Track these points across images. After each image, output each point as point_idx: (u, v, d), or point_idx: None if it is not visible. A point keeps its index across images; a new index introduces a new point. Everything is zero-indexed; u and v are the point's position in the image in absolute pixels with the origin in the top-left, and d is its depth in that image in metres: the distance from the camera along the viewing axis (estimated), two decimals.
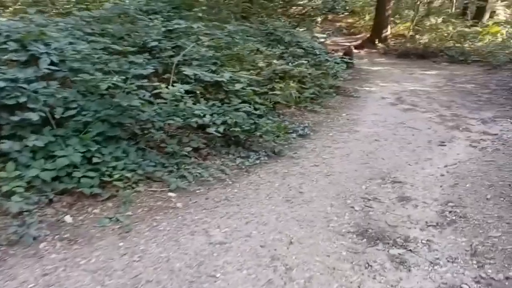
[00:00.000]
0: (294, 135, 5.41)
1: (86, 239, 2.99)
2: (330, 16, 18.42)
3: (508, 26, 14.46)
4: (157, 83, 4.42)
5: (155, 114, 4.26)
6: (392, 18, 16.58)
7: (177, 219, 3.33)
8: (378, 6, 15.58)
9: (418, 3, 16.33)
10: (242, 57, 6.37)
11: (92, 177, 3.45)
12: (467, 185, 4.11)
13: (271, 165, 4.53)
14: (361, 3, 20.62)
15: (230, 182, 4.02)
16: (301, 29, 10.84)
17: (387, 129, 6.01)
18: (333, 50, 13.91)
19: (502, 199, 3.78)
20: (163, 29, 5.67)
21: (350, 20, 20.50)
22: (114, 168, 3.60)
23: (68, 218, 3.20)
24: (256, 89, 5.36)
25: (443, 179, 4.30)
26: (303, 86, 6.89)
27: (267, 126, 4.81)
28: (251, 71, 6.20)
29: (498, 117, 6.65)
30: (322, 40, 11.70)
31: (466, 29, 14.79)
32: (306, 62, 6.70)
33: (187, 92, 4.60)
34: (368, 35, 16.50)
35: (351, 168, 4.54)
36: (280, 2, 10.32)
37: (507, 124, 6.26)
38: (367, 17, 19.37)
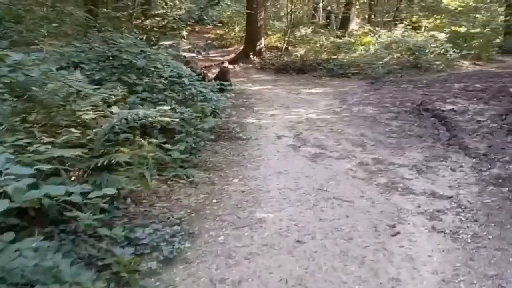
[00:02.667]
0: (154, 263, 2.68)
1: None
2: (197, 28, 15.95)
3: (376, 35, 13.75)
4: None
5: None
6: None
7: None
8: (249, 17, 13.59)
9: (290, 13, 14.83)
10: (51, 109, 3.41)
11: None
12: None
13: None
14: (228, 13, 18.58)
15: None
16: (164, 44, 8.08)
17: (306, 207, 3.67)
18: (205, 67, 11.48)
19: None
20: None
21: (219, 32, 18.32)
22: None
23: None
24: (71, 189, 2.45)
25: None
26: (169, 143, 4.18)
27: None
28: (69, 135, 3.28)
29: (430, 159, 4.87)
30: (192, 57, 9.11)
31: (339, 40, 13.70)
32: (169, 107, 3.96)
33: None
34: (241, 48, 14.46)
35: None
36: (131, 11, 7.44)
37: (448, 173, 4.46)
38: (237, 28, 17.41)
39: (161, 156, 4.06)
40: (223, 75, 8.93)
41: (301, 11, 20.02)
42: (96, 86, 4.07)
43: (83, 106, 3.60)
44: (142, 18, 8.45)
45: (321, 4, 16.93)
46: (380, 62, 12.00)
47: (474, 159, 4.79)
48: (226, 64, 10.79)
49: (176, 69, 5.77)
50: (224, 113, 6.09)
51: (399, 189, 4.08)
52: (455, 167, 4.58)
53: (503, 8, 17.30)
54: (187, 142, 4.57)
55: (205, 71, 9.32)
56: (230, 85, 8.36)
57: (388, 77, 10.90)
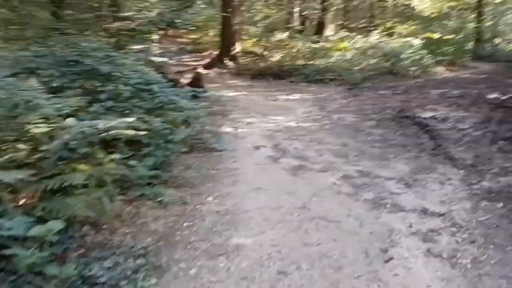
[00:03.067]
0: None
1: None
2: (170, 32, 15.42)
3: (352, 41, 13.62)
4: None
5: None
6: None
7: None
8: (224, 21, 13.22)
9: (265, 18, 14.53)
10: None
11: None
12: None
13: None
14: (202, 17, 18.11)
15: None
16: (133, 48, 7.59)
17: (289, 230, 3.29)
18: (177, 72, 10.97)
19: None
20: None
21: (193, 36, 17.82)
22: None
23: None
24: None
25: None
26: (135, 157, 3.73)
27: None
28: (14, 153, 2.80)
29: (416, 171, 4.60)
30: (164, 62, 8.64)
31: (315, 45, 13.48)
32: (134, 118, 3.52)
33: None
34: (216, 53, 14.04)
35: None
36: (97, 13, 6.91)
37: (438, 186, 4.19)
38: (212, 33, 16.96)
39: (125, 173, 3.61)
40: (196, 81, 8.52)
41: (276, 16, 19.82)
42: (52, 95, 3.59)
43: (34, 118, 3.11)
44: (110, 20, 7.92)
45: (296, 9, 16.72)
46: (357, 68, 11.88)
47: (462, 171, 4.55)
48: (200, 70, 10.36)
49: (144, 75, 5.30)
50: (197, 122, 5.65)
51: (388, 205, 3.76)
52: (443, 180, 4.31)
53: (474, 15, 17.68)
54: (156, 156, 4.12)
55: (177, 77, 8.86)
56: (204, 91, 7.94)
57: (365, 83, 10.76)
